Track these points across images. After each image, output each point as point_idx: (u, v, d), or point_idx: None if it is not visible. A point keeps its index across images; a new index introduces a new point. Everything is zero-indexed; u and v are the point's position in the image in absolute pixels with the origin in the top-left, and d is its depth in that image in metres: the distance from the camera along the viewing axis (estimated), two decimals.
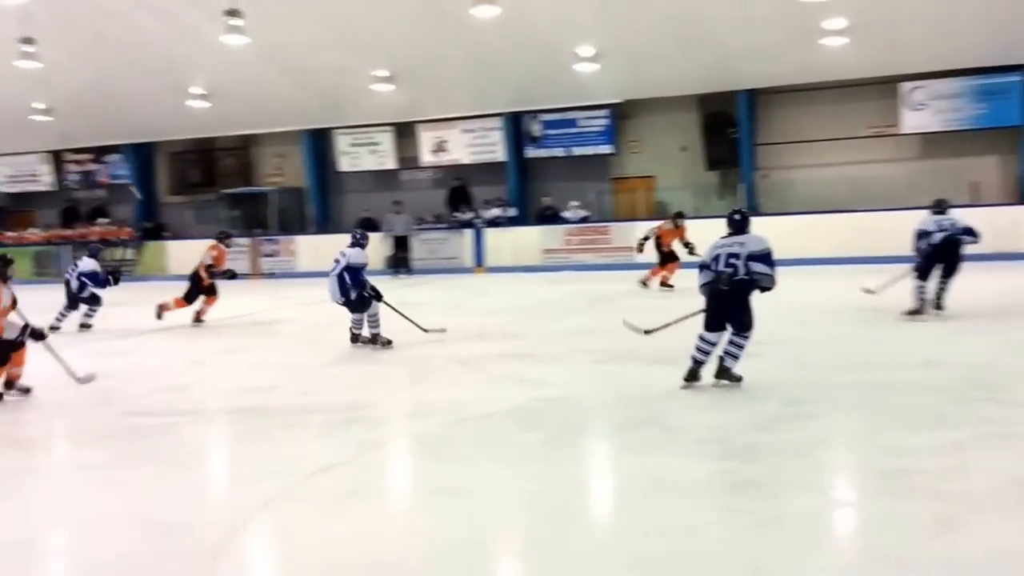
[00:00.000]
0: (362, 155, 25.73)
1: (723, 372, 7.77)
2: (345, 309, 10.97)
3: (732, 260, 7.56)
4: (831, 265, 17.71)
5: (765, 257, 7.52)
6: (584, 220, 22.67)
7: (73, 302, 13.93)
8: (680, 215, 16.53)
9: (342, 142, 25.79)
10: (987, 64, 19.72)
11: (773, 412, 6.96)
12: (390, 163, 25.61)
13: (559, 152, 23.72)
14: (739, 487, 5.32)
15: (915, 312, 11.11)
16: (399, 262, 22.89)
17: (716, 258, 7.64)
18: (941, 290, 11.21)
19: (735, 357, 7.72)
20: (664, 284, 16.16)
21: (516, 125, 23.88)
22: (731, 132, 22.09)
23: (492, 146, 24.19)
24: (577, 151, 23.51)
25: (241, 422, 7.67)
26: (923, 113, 20.45)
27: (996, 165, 20.67)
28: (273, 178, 27.48)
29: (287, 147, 26.99)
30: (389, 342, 10.81)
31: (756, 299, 7.68)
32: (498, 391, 8.30)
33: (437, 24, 19.93)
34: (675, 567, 4.25)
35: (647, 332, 9.12)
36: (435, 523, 4.97)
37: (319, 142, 26.22)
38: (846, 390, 7.67)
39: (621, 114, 23.16)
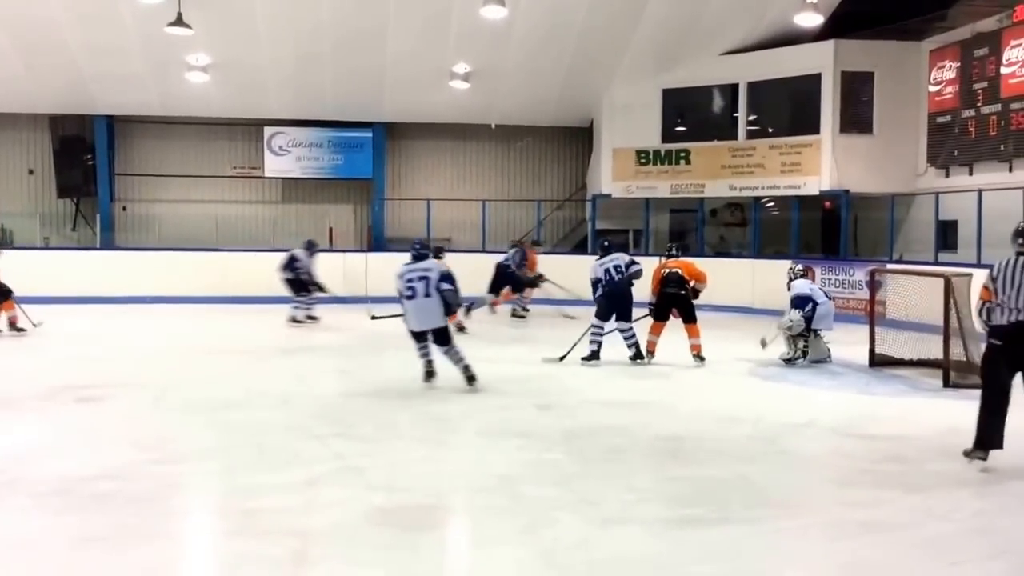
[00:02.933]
0: None
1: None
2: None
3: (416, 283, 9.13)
4: (196, 304, 17.39)
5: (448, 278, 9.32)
6: None
7: None
8: None
9: None
10: (343, 119, 21.18)
11: (127, 458, 6.50)
12: None
13: None
14: (84, 541, 4.82)
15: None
16: None
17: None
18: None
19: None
20: None
21: None
22: (87, 159, 20.74)
23: None
24: None
25: None
26: (285, 158, 21.30)
27: (351, 213, 22.21)
28: None
29: None
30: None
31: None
32: None
33: None
34: None
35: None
36: None
37: None
38: (205, 430, 7.46)
39: None
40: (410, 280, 9.10)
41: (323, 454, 6.71)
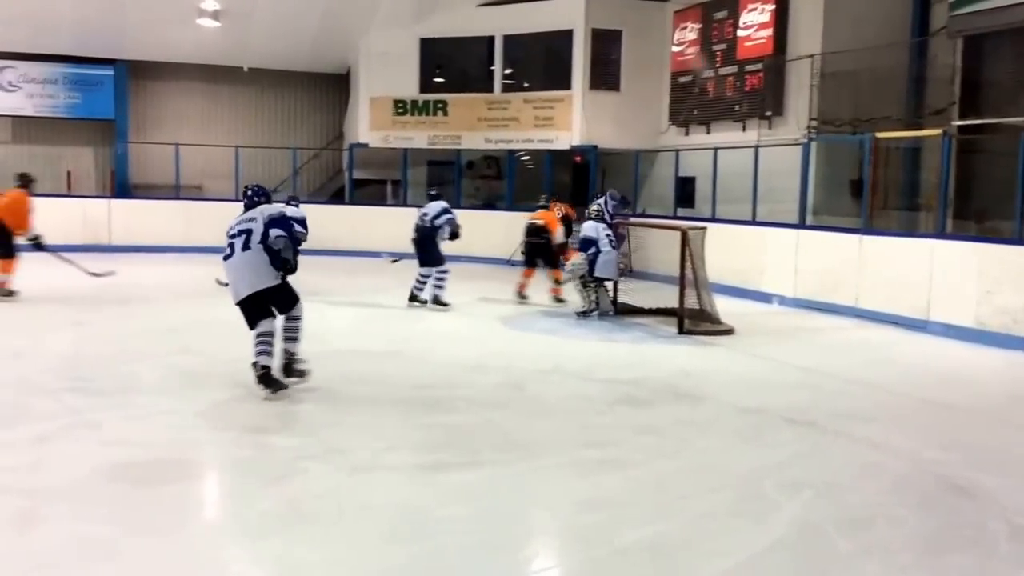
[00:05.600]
0: None
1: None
2: None
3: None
4: None
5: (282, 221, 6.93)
6: None
7: None
8: None
9: None
10: (81, 54, 19.78)
11: None
12: None
13: None
14: None
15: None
16: None
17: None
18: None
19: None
20: None
21: None
22: None
23: None
24: None
25: None
26: (16, 95, 19.69)
27: (91, 156, 20.84)
28: None
29: None
30: None
31: None
32: None
33: None
34: None
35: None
36: None
37: None
38: None
39: None
40: (231, 236, 6.94)
41: (56, 409, 6.36)
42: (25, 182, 11.73)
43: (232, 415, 6.45)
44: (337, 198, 21.19)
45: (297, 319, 7.05)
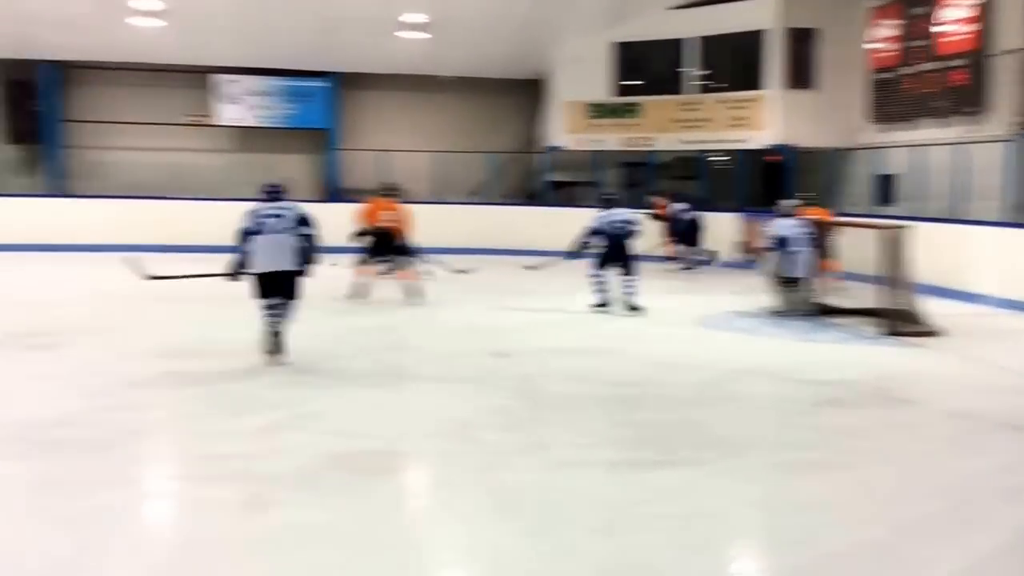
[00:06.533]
0: None
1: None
2: None
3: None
4: (148, 252, 17.10)
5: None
6: None
7: None
8: None
9: None
10: (297, 67, 20.93)
11: (82, 405, 6.54)
12: None
13: None
14: (43, 487, 4.90)
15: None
16: None
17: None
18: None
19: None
20: None
21: None
22: (34, 104, 20.29)
23: None
24: None
25: None
26: (237, 107, 21.00)
27: (305, 163, 22.03)
28: None
29: None
30: None
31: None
32: None
33: None
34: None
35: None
36: None
37: None
38: (161, 377, 7.47)
39: None
40: (261, 216, 7.97)
41: (279, 400, 6.80)
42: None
43: (442, 409, 6.71)
44: (532, 200, 21.54)
45: (293, 305, 8.00)
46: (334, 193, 21.10)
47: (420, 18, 19.00)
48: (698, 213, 16.44)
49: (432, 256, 12.47)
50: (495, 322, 10.59)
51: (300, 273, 8.00)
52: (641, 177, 19.85)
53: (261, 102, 21.07)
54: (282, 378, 7.50)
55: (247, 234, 7.93)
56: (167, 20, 18.58)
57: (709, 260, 16.34)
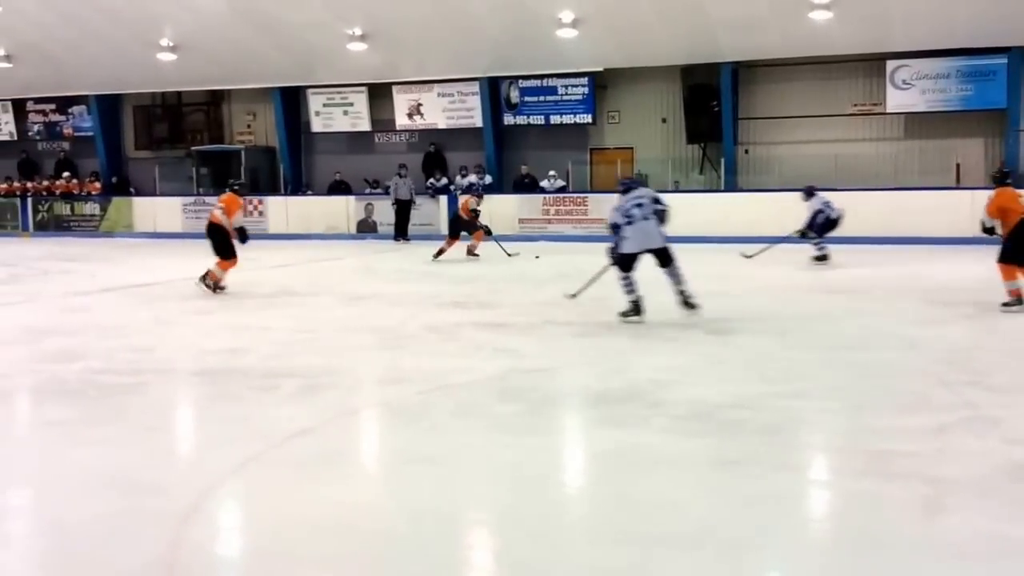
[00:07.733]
0: (335, 116, 25.19)
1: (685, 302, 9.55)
2: None
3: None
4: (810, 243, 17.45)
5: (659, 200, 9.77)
6: (561, 190, 22.39)
7: None
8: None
9: (315, 102, 25.26)
10: (975, 45, 19.54)
11: (756, 390, 6.84)
12: (364, 125, 25.07)
13: (537, 120, 23.36)
14: (721, 464, 5.19)
15: None
16: (401, 228, 22.11)
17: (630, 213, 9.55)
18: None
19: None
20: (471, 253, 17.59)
21: (494, 90, 23.43)
22: (713, 105, 21.82)
23: (469, 111, 23.76)
24: (555, 119, 23.16)
25: (211, 384, 7.49)
26: (908, 92, 20.27)
27: (981, 147, 20.54)
28: (243, 136, 26.94)
29: (258, 105, 26.43)
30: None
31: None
32: (474, 361, 8.13)
33: None
34: (652, 543, 4.11)
35: (572, 296, 10.73)
36: (409, 490, 4.84)
37: (291, 101, 25.69)
38: (829, 369, 7.59)
39: (601, 83, 22.76)
40: (629, 208, 9.56)
41: (954, 401, 6.45)
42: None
43: None
44: None
45: (677, 268, 9.54)
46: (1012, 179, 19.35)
47: None
48: None
49: None
50: None
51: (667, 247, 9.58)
52: None
53: (933, 85, 20.07)
54: (955, 377, 7.08)
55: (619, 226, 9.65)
56: (839, 11, 18.65)
57: None
